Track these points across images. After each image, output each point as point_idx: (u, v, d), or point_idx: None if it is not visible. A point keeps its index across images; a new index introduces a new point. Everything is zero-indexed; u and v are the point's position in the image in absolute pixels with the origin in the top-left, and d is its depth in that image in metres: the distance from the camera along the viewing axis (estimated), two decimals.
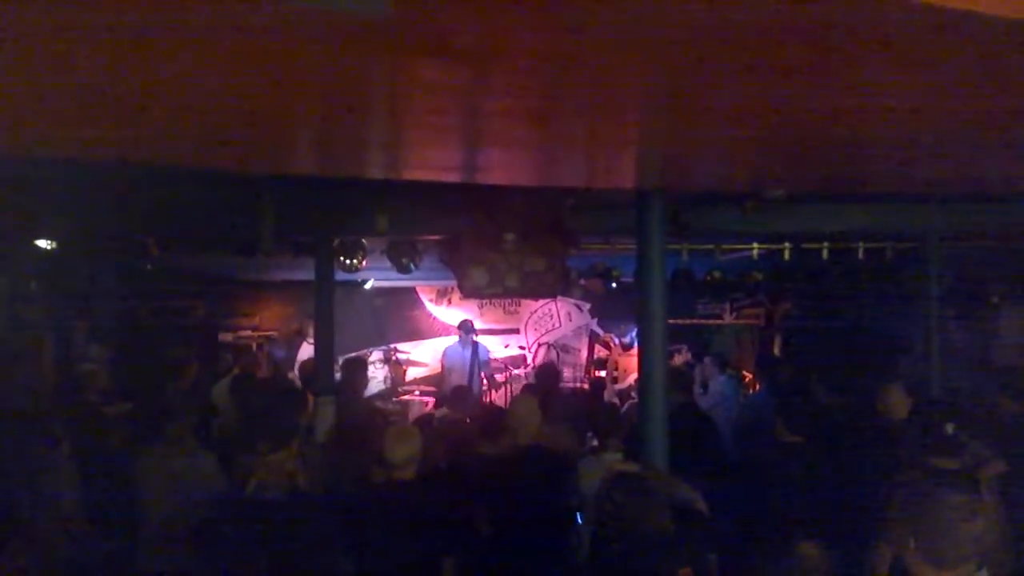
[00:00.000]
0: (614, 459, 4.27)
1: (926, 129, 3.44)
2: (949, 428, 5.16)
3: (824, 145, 3.85)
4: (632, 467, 3.99)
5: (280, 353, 10.06)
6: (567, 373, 10.50)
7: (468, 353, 9.65)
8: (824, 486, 4.31)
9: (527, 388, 7.47)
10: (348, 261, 7.00)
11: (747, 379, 10.36)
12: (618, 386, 10.13)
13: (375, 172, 4.72)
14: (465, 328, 9.91)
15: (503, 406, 6.46)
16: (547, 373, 7.54)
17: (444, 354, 10.30)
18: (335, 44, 2.16)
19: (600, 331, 11.52)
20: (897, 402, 5.10)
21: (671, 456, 4.83)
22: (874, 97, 2.85)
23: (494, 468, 4.45)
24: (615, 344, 11.36)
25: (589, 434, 5.85)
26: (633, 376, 10.00)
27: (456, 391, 7.38)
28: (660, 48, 2.26)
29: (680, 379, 6.18)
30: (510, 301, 11.20)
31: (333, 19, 1.95)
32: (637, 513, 3.07)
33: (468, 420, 6.24)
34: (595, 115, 3.20)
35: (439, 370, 10.63)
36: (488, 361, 10.12)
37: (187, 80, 2.59)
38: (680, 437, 4.90)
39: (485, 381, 9.83)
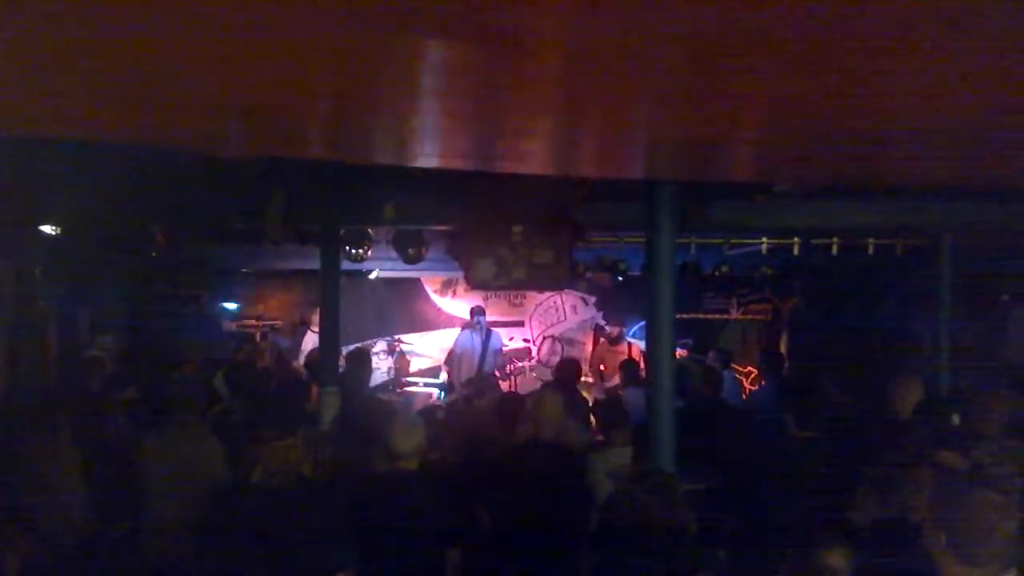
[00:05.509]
0: (623, 453, 4.22)
1: (940, 121, 3.38)
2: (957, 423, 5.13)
3: (837, 137, 3.79)
4: (643, 465, 3.94)
5: (284, 343, 10.03)
6: None
7: (479, 341, 9.52)
8: (837, 483, 4.26)
9: (552, 383, 7.32)
10: (354, 250, 6.96)
11: (752, 375, 10.31)
12: (607, 384, 9.92)
13: (385, 159, 4.67)
14: (477, 314, 9.73)
15: (521, 396, 6.38)
16: (569, 369, 7.37)
17: (456, 341, 10.14)
18: (349, 25, 2.12)
19: (605, 324, 11.44)
20: (910, 397, 5.05)
21: (698, 453, 4.79)
22: (889, 87, 2.80)
23: (507, 459, 4.42)
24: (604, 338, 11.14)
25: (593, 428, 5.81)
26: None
27: (474, 378, 7.26)
28: (673, 37, 2.21)
29: (709, 376, 6.14)
30: (515, 293, 11.13)
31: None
32: (661, 512, 2.95)
33: (484, 408, 6.17)
34: (607, 104, 3.16)
35: (443, 361, 10.55)
36: (500, 350, 9.87)
37: (197, 62, 2.54)
38: (708, 434, 4.87)
39: (497, 372, 9.67)
